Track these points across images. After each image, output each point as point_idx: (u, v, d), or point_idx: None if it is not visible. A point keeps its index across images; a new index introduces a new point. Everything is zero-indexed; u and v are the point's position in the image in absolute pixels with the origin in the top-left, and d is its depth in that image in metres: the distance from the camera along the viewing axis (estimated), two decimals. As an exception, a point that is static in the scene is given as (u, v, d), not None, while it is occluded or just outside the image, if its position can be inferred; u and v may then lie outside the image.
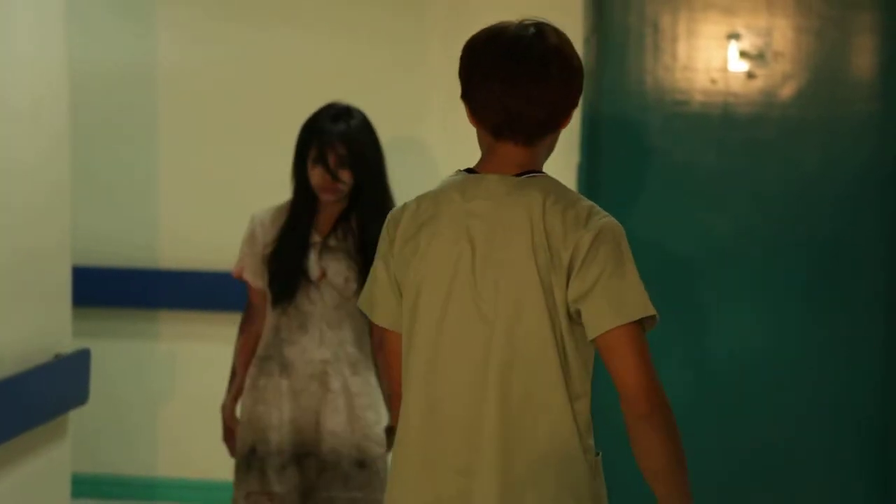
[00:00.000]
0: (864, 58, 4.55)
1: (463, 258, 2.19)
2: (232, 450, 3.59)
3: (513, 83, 2.17)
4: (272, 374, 3.47)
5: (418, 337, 2.22)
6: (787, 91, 4.58)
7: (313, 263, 3.44)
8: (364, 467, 3.45)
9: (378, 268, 2.29)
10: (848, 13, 4.55)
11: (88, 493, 4.79)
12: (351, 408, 3.45)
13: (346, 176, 3.41)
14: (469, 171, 2.28)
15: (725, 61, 4.59)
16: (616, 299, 2.10)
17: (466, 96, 2.25)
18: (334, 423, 3.43)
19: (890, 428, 4.58)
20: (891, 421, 4.57)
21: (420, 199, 2.27)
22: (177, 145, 4.83)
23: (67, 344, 3.92)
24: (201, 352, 4.84)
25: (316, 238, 3.47)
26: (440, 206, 2.23)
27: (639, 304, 2.12)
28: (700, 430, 4.54)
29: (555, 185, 2.21)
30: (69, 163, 3.93)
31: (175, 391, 4.85)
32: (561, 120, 2.22)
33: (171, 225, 4.84)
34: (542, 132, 2.21)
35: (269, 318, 3.51)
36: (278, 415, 3.45)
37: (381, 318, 2.31)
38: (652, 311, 2.13)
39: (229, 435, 3.59)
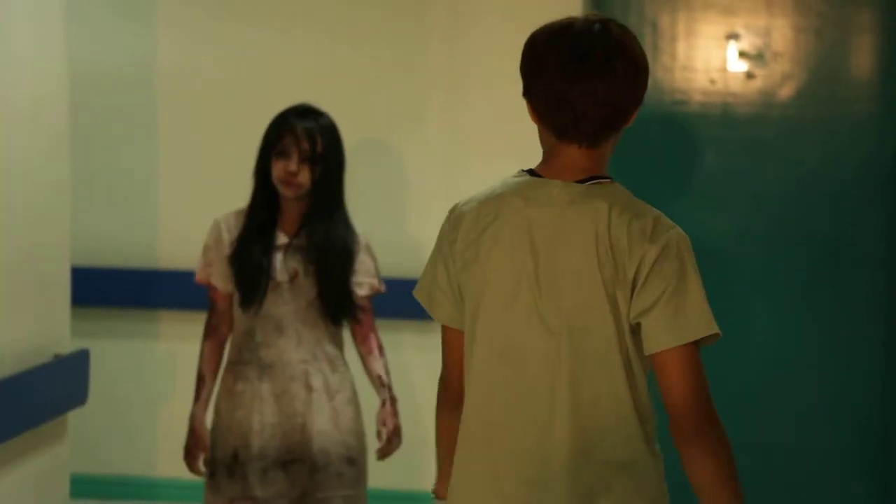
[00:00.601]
0: (863, 57, 4.55)
1: (525, 267, 2.15)
2: (194, 461, 3.53)
3: (577, 81, 2.12)
4: (250, 378, 3.45)
5: (479, 345, 2.19)
6: (786, 91, 4.58)
7: (280, 265, 3.43)
8: (353, 464, 3.46)
9: (438, 267, 2.26)
10: (847, 12, 4.55)
11: (88, 494, 4.79)
12: (332, 405, 3.45)
13: (305, 171, 3.40)
14: (531, 172, 2.22)
15: (724, 61, 4.59)
16: (675, 319, 2.09)
17: (529, 94, 2.19)
18: (321, 422, 3.43)
19: (890, 428, 4.57)
20: (891, 421, 4.57)
21: (482, 201, 2.21)
22: (176, 145, 4.83)
23: (67, 344, 3.91)
24: (201, 352, 4.84)
25: (283, 239, 3.46)
26: (502, 211, 2.18)
27: (698, 324, 2.10)
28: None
29: (620, 194, 2.17)
30: (69, 163, 3.93)
31: (174, 391, 4.84)
32: (627, 118, 2.18)
33: (170, 224, 4.84)
34: (606, 131, 2.16)
35: (240, 321, 3.49)
36: (259, 419, 3.42)
37: (442, 317, 2.27)
38: (712, 330, 2.11)
39: (196, 444, 3.52)
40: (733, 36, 4.59)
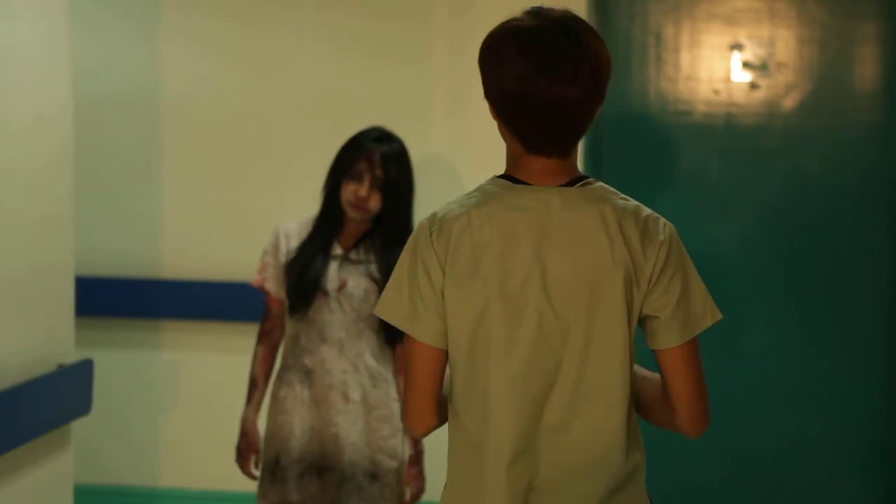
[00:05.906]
0: (866, 67, 4.56)
1: (532, 275, 2.11)
2: (246, 463, 3.57)
3: (545, 93, 2.12)
4: (292, 383, 3.49)
5: (495, 359, 2.13)
6: (789, 101, 4.59)
7: (333, 273, 3.47)
8: (376, 480, 3.46)
9: (419, 282, 2.15)
10: (850, 23, 4.55)
11: (91, 503, 4.80)
12: (368, 420, 3.46)
13: (376, 197, 3.44)
14: (509, 178, 2.19)
15: (728, 72, 4.60)
16: (686, 316, 2.16)
17: (491, 96, 2.27)
18: (353, 434, 3.44)
19: (894, 439, 4.57)
20: (894, 432, 4.56)
21: (469, 212, 2.15)
22: (179, 156, 4.83)
23: (70, 354, 3.91)
24: (203, 362, 4.84)
25: (338, 250, 3.49)
26: (497, 221, 2.13)
27: (705, 315, 2.18)
28: (704, 441, 4.53)
29: (609, 191, 2.19)
30: (73, 174, 3.94)
31: (177, 401, 4.84)
32: (592, 120, 2.18)
33: (173, 234, 4.84)
34: (575, 140, 2.18)
35: (289, 327, 3.53)
36: (300, 423, 3.46)
37: (428, 336, 2.16)
38: (716, 318, 2.19)
39: (248, 446, 3.57)
40: (737, 46, 4.60)
